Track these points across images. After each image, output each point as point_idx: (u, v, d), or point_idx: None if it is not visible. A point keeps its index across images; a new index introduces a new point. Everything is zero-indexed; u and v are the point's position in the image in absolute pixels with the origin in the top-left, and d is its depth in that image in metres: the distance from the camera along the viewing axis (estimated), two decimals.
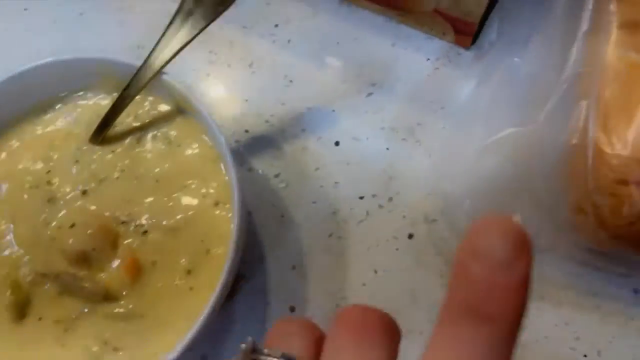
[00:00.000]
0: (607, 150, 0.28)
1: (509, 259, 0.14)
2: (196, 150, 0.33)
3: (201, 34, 0.40)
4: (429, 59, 0.38)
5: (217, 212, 0.31)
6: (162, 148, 0.33)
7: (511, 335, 0.15)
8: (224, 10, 0.30)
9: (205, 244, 0.30)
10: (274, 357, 0.18)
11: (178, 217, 0.31)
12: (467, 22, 0.34)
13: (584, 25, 0.30)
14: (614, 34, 0.29)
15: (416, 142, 0.37)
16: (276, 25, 0.40)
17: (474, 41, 0.37)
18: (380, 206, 0.36)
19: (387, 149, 0.37)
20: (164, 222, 0.31)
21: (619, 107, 0.28)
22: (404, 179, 0.36)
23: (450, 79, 0.37)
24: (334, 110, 0.38)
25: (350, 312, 0.18)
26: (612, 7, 0.29)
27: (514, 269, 0.14)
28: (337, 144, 0.37)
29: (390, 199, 0.36)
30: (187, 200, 0.31)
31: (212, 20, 0.31)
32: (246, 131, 0.38)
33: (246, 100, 0.39)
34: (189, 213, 0.31)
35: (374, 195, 0.36)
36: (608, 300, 0.33)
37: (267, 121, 0.38)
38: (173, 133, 0.33)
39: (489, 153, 0.34)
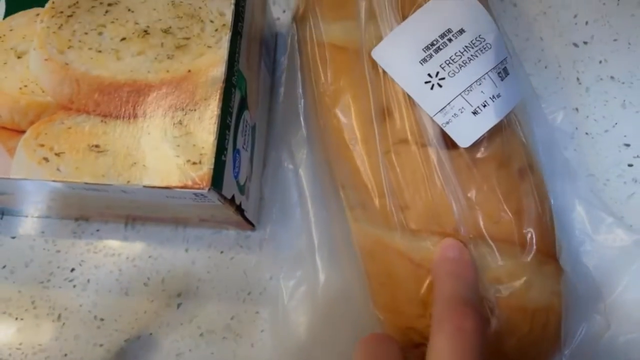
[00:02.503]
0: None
1: None
2: None
3: (1, 302, 0.40)
4: (222, 252, 0.40)
5: None
6: None
7: None
8: None
9: None
10: None
11: None
12: (233, 221, 0.37)
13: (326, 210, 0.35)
14: (349, 215, 0.33)
15: (236, 336, 0.38)
16: (72, 270, 0.40)
17: (255, 222, 0.39)
18: None
19: (212, 353, 0.38)
20: None
21: (379, 282, 0.32)
22: None
23: (247, 263, 0.40)
24: (151, 334, 0.38)
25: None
26: (341, 193, 0.34)
27: None
28: None
29: None
30: None
31: None
32: None
33: (65, 355, 0.38)
34: None
35: None
36: None
37: None
38: None
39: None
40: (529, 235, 0.31)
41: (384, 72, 0.32)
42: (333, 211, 0.36)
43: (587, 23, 0.43)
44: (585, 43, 0.43)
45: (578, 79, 0.42)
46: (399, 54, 0.32)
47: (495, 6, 0.43)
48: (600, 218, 0.36)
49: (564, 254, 0.33)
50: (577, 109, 0.41)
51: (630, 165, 0.40)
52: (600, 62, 0.42)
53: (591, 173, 0.40)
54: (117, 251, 0.41)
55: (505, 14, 0.44)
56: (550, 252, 0.32)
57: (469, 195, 0.31)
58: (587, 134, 0.41)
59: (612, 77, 0.42)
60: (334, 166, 0.35)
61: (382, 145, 0.32)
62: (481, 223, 0.31)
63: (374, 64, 0.32)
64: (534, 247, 0.31)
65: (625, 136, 0.40)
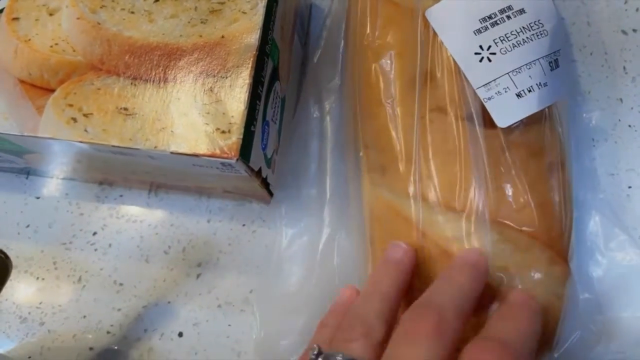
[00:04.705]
0: None
1: None
2: None
3: (24, 261, 0.40)
4: (244, 225, 0.39)
5: None
6: None
7: None
8: None
9: None
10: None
11: None
12: (257, 194, 0.36)
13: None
14: (366, 177, 0.32)
15: (254, 309, 0.38)
16: (94, 233, 0.40)
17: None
18: None
19: (229, 325, 0.38)
20: None
21: (382, 249, 0.31)
22: (252, 352, 0.37)
23: (268, 238, 0.39)
24: (169, 302, 0.38)
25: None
26: (362, 154, 0.33)
27: None
28: (180, 335, 0.38)
29: None
30: None
31: None
32: (91, 349, 0.38)
33: (84, 317, 0.39)
34: None
35: None
36: None
37: (108, 332, 0.38)
38: None
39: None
40: (547, 231, 0.30)
41: (434, 34, 0.31)
42: (349, 171, 0.35)
43: (637, 10, 0.41)
44: (634, 31, 0.41)
45: (624, 68, 0.40)
46: (454, 18, 0.31)
47: None
48: (614, 234, 0.34)
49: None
50: (621, 100, 0.39)
51: None
52: None
53: (631, 167, 0.38)
54: (140, 218, 0.40)
55: None
56: (563, 252, 0.31)
57: (495, 177, 0.30)
58: (630, 126, 0.39)
59: None
60: (361, 124, 0.34)
61: (418, 109, 0.31)
62: (502, 209, 0.30)
63: (426, 25, 0.31)
64: (549, 244, 0.30)
65: None
